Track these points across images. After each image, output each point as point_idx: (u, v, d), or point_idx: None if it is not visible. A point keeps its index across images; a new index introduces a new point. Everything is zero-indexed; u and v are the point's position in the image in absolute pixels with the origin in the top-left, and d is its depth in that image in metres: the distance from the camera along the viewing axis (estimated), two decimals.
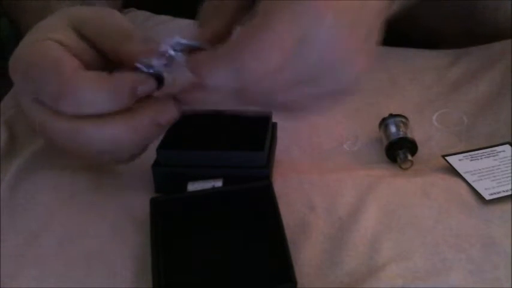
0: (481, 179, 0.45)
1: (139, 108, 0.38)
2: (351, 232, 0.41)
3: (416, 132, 0.50)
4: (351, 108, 0.54)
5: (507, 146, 0.48)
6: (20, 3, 0.52)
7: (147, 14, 0.72)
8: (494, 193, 0.43)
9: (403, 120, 0.50)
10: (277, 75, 0.35)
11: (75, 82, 0.36)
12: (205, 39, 0.39)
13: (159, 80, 0.39)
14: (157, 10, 0.72)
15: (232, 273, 0.37)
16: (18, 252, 0.41)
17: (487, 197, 0.43)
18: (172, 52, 0.39)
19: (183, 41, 0.39)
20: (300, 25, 0.33)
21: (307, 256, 0.39)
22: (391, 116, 0.50)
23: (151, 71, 0.39)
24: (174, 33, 0.39)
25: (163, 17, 0.71)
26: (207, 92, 0.37)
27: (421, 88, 0.58)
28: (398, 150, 0.48)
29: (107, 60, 0.41)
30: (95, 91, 0.36)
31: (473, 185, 0.45)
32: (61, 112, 0.37)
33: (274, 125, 0.49)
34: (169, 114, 0.39)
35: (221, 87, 0.36)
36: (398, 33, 0.67)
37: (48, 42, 0.39)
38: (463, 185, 0.45)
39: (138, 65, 0.38)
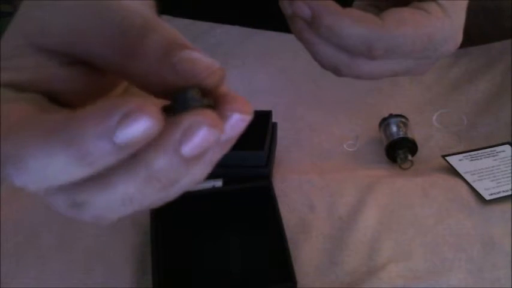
0: (481, 179, 0.45)
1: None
2: (351, 232, 0.41)
3: (416, 132, 0.50)
4: (351, 108, 0.54)
5: (507, 146, 0.48)
6: None
7: None
8: (494, 193, 0.43)
9: (403, 120, 0.50)
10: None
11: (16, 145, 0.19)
12: None
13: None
14: (157, 10, 0.72)
15: (232, 273, 0.37)
16: (18, 252, 0.41)
17: (487, 197, 0.43)
18: None
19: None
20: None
21: (307, 256, 0.39)
22: (391, 116, 0.50)
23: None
24: None
25: (163, 17, 0.71)
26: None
27: (421, 88, 0.58)
28: (399, 150, 0.48)
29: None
30: (50, 154, 0.18)
31: (473, 185, 0.44)
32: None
33: (274, 125, 0.49)
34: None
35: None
36: None
37: None
38: (463, 185, 0.45)
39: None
